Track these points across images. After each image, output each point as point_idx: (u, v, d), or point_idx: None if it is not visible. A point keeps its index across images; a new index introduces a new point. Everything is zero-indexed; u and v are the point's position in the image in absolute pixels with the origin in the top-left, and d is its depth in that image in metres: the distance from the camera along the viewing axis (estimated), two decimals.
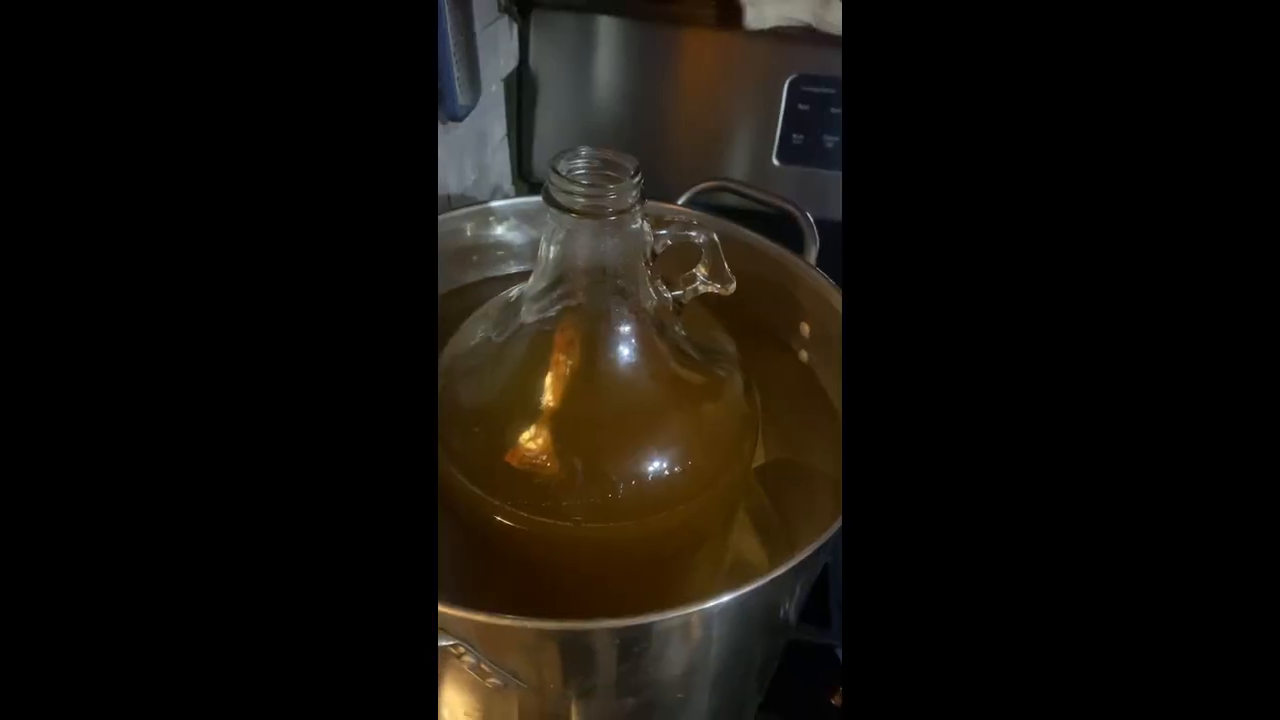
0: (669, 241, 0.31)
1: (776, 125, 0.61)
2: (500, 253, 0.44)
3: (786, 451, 0.43)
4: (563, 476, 0.31)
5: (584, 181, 0.28)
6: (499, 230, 0.43)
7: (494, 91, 0.61)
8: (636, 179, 0.29)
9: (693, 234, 0.31)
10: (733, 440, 0.35)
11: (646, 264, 0.32)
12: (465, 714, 0.31)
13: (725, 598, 0.25)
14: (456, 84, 0.49)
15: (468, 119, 0.56)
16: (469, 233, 0.42)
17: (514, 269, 0.44)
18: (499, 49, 0.60)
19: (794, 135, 0.61)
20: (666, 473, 0.32)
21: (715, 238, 0.32)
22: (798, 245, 0.41)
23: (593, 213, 0.28)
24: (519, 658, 0.26)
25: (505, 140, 0.64)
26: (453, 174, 0.54)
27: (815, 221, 0.41)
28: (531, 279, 0.33)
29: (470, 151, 0.58)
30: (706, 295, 0.35)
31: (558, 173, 0.28)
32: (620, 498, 0.31)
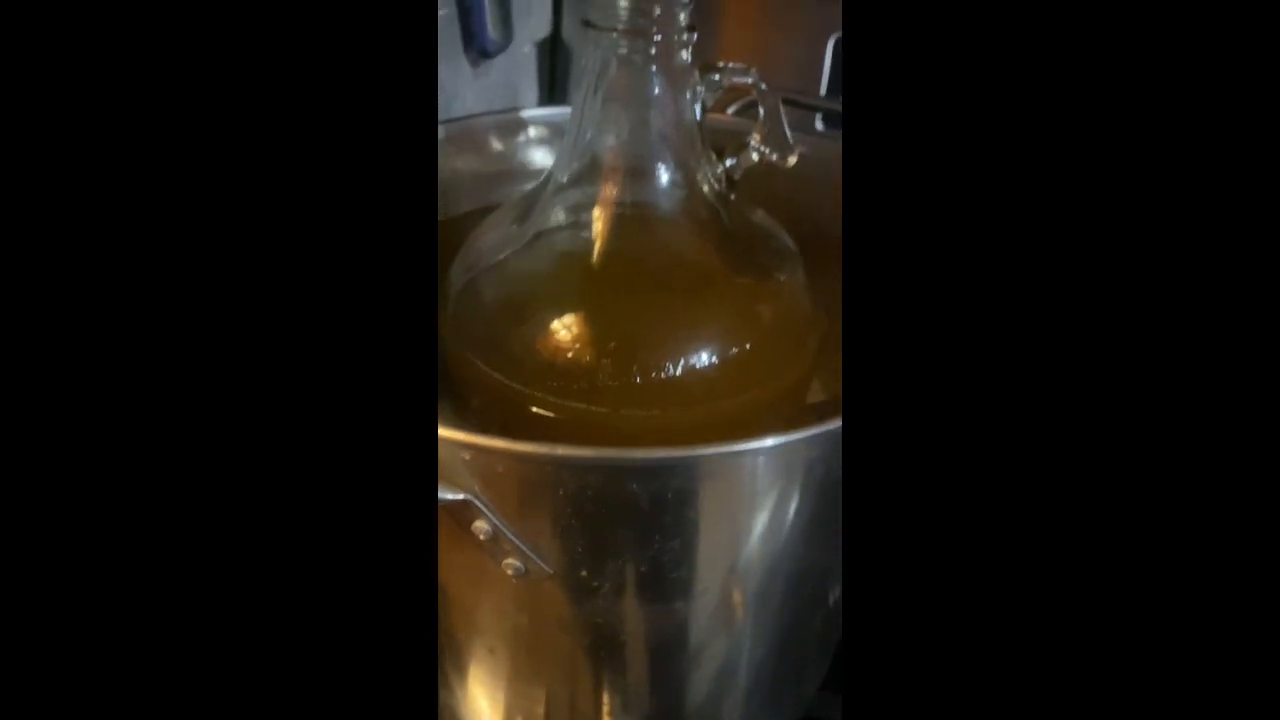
0: (721, 88, 0.27)
1: (821, 87, 0.59)
2: (531, 174, 0.40)
3: None
4: (597, 354, 0.27)
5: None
6: (529, 144, 0.40)
7: (526, 53, 0.59)
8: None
9: (749, 79, 0.27)
10: (791, 331, 0.30)
11: (695, 116, 0.28)
12: (484, 634, 0.26)
13: (804, 432, 0.20)
14: (488, 15, 0.47)
15: (499, 75, 0.54)
16: (495, 147, 0.39)
17: None
18: (531, 8, 0.58)
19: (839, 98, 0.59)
20: (714, 357, 0.27)
21: (775, 96, 0.28)
22: None
23: (636, 31, 0.25)
24: (542, 520, 0.21)
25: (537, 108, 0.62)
26: None
27: None
28: (560, 155, 0.29)
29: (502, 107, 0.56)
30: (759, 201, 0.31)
31: None
32: (661, 379, 0.27)
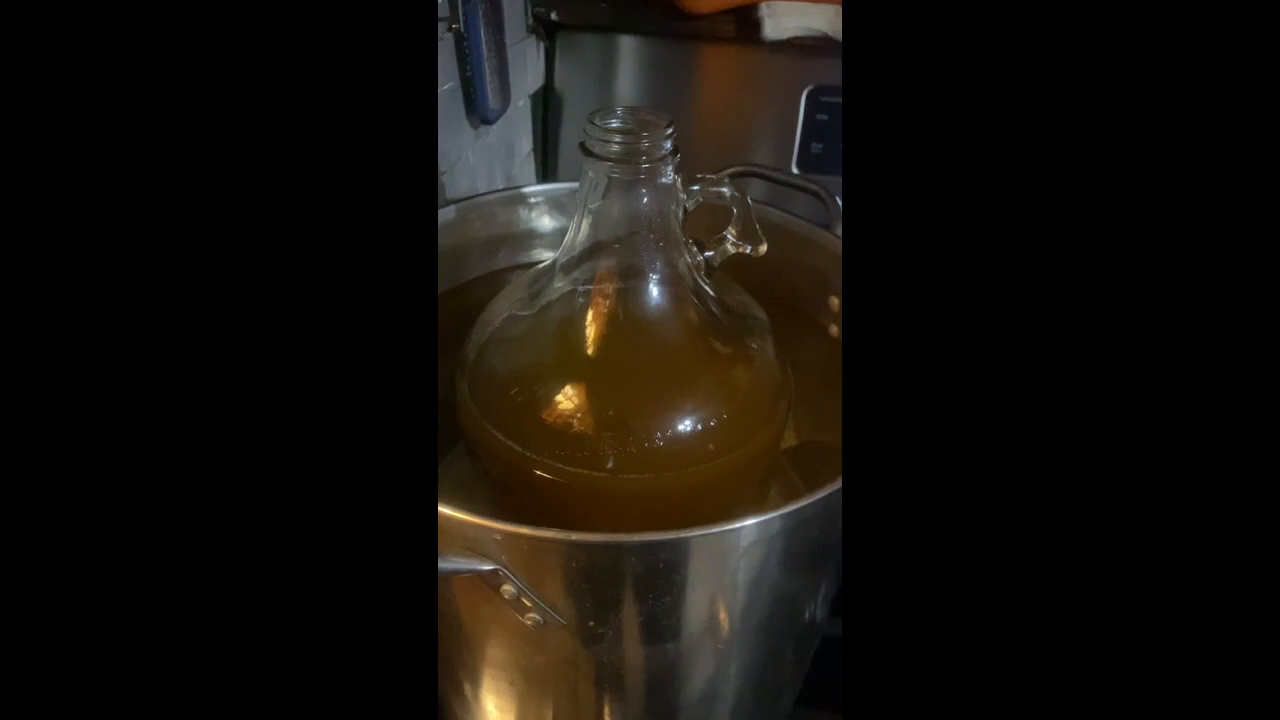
0: (700, 198, 0.32)
1: (795, 135, 0.63)
2: (531, 239, 0.45)
3: (818, 433, 0.43)
4: (598, 426, 0.31)
5: (619, 132, 0.29)
6: (530, 216, 0.44)
7: (521, 106, 0.63)
8: (669, 130, 0.30)
9: (724, 190, 0.32)
10: (766, 398, 0.35)
11: (679, 222, 0.32)
12: (505, 669, 0.31)
13: (770, 514, 0.25)
14: (489, 88, 0.51)
15: (497, 131, 0.58)
16: (500, 218, 0.44)
17: (544, 256, 0.45)
18: (526, 66, 0.63)
19: (813, 144, 0.63)
20: (699, 425, 0.32)
21: (746, 196, 0.33)
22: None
23: (627, 159, 0.29)
24: (557, 584, 0.25)
25: (531, 155, 0.66)
26: (483, 182, 0.56)
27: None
28: (563, 247, 0.34)
29: (499, 162, 0.60)
30: (737, 269, 0.36)
31: (594, 124, 0.29)
32: (654, 447, 0.31)
